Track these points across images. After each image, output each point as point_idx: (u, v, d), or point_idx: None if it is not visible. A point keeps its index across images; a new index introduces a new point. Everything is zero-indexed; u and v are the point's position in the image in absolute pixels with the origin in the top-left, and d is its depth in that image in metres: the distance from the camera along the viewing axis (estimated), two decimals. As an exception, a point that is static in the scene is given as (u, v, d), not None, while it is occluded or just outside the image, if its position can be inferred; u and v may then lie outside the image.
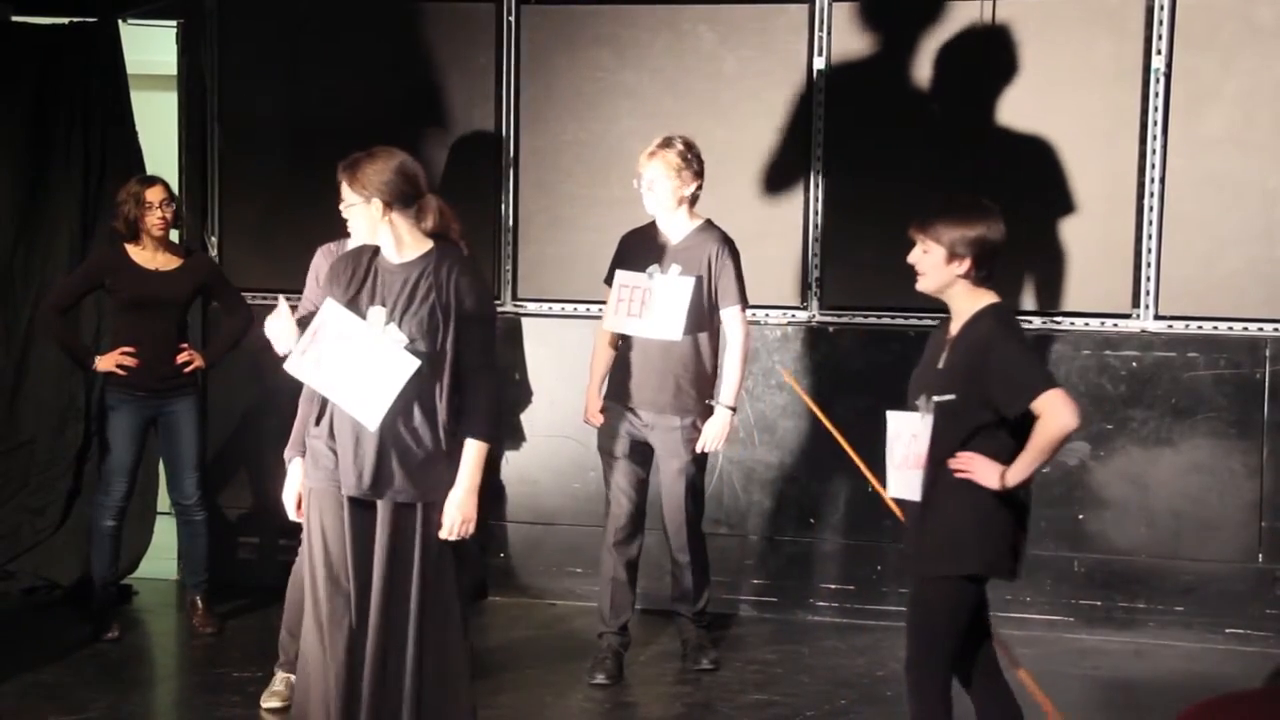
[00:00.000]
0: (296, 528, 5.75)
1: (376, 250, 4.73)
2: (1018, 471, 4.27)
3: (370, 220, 4.68)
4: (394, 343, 4.59)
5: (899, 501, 4.57)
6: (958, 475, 4.31)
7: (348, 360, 4.59)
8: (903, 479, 4.47)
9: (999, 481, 4.27)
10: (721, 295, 6.08)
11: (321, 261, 5.65)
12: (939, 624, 4.41)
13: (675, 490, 6.15)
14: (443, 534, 4.67)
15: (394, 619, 4.63)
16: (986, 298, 4.40)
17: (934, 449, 4.35)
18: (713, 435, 6.08)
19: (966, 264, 4.34)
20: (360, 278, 4.69)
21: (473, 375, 4.69)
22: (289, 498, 4.84)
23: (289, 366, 4.69)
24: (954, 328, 4.43)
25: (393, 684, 4.66)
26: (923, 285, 4.45)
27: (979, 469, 4.29)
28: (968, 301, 4.40)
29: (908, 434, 4.43)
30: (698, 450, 6.11)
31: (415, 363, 4.57)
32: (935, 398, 4.35)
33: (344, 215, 4.82)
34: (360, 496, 4.64)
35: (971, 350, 4.32)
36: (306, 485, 4.76)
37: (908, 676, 4.48)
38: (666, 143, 6.03)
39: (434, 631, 4.69)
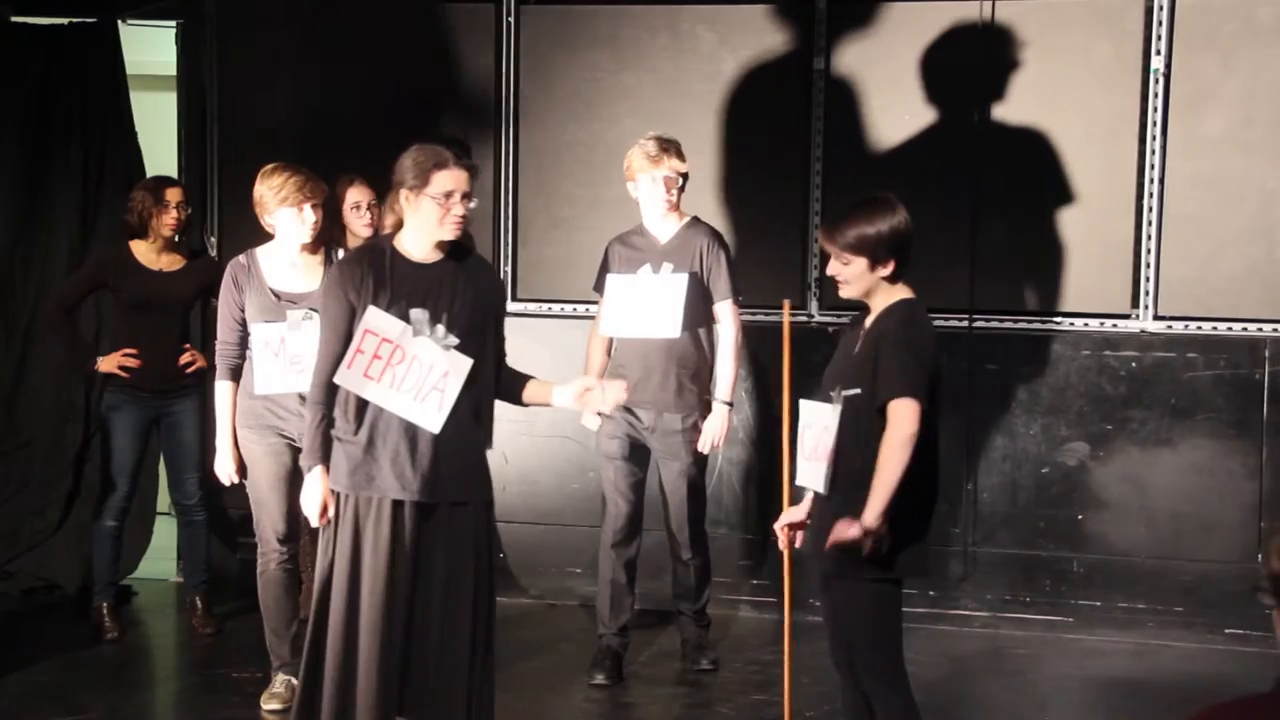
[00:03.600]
0: (296, 531, 5.81)
1: (390, 249, 4.70)
2: (871, 510, 4.19)
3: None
4: (446, 344, 4.61)
5: (804, 492, 4.55)
6: (833, 543, 4.25)
7: (400, 366, 4.58)
8: (811, 469, 4.46)
9: (859, 530, 4.19)
10: (714, 289, 6.09)
11: (234, 275, 5.65)
12: (885, 627, 4.38)
13: (678, 490, 6.16)
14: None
15: (456, 618, 4.65)
16: (901, 292, 4.39)
17: (840, 443, 4.33)
18: (713, 433, 6.10)
19: (890, 265, 4.33)
20: (385, 279, 4.64)
21: (500, 366, 4.79)
22: (313, 504, 4.75)
23: (340, 380, 4.62)
24: (868, 321, 4.43)
25: (451, 681, 4.66)
26: (847, 293, 4.41)
27: (838, 533, 4.22)
28: (883, 297, 4.39)
29: (819, 425, 4.41)
30: (700, 450, 6.12)
31: (469, 362, 4.61)
32: (844, 391, 4.34)
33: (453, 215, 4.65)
34: (421, 500, 4.63)
35: (875, 344, 4.32)
36: (333, 491, 4.72)
37: (866, 686, 4.43)
38: (666, 140, 6.02)
39: (486, 627, 4.73)
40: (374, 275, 4.63)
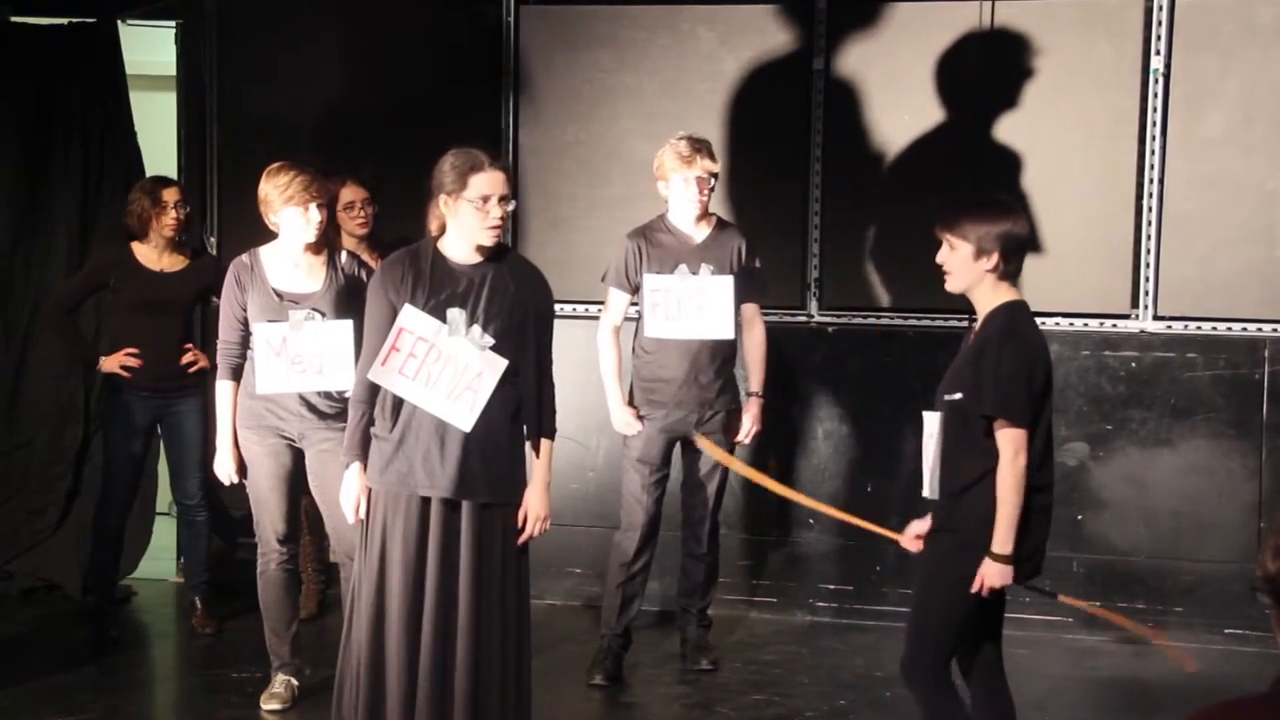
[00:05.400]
0: (296, 531, 5.82)
1: (432, 250, 4.73)
2: (1000, 539, 4.24)
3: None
4: (482, 345, 4.63)
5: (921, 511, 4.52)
6: (981, 593, 4.29)
7: (434, 365, 4.62)
8: (928, 476, 4.47)
9: (996, 561, 4.23)
10: (749, 289, 6.14)
11: (236, 274, 5.64)
12: (946, 624, 4.38)
13: (710, 484, 6.20)
14: (525, 533, 4.76)
15: (483, 617, 4.67)
16: (1008, 295, 4.36)
17: (944, 448, 4.34)
18: (751, 424, 6.17)
19: (994, 259, 4.30)
20: (424, 280, 4.68)
21: (542, 374, 4.80)
22: (349, 501, 4.81)
23: (374, 376, 4.68)
24: (977, 325, 4.41)
25: (482, 682, 4.68)
26: (951, 285, 4.40)
27: (980, 577, 4.26)
28: (989, 299, 4.36)
29: (931, 432, 4.43)
30: (739, 439, 6.19)
31: (504, 363, 4.65)
32: (947, 396, 4.34)
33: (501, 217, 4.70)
34: (448, 498, 4.66)
35: (978, 351, 4.30)
36: (368, 487, 4.76)
37: (910, 676, 4.45)
38: (698, 140, 6.03)
39: (518, 628, 4.76)
40: (414, 275, 4.69)
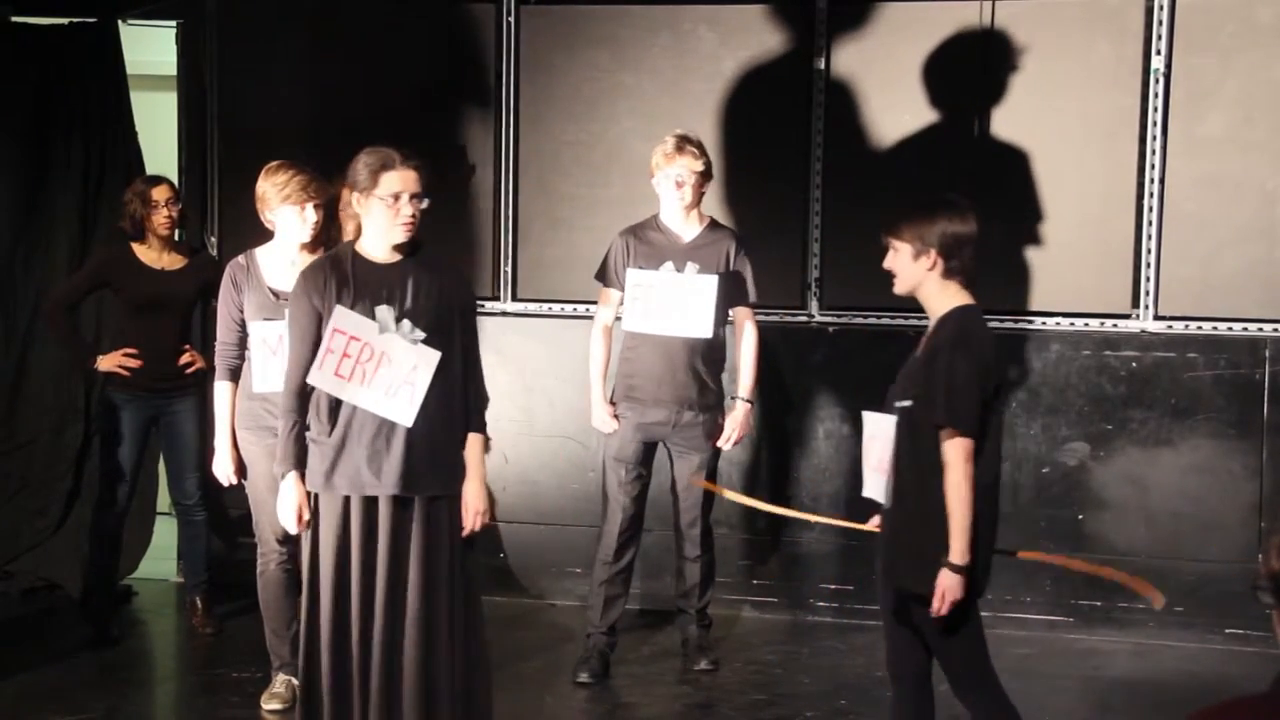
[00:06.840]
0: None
1: (351, 253, 4.73)
2: (957, 549, 4.20)
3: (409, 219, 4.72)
4: (413, 339, 4.65)
5: (875, 504, 4.50)
6: (936, 619, 4.25)
7: (370, 363, 4.63)
8: (875, 481, 4.42)
9: (955, 573, 4.20)
10: (738, 293, 6.12)
11: (233, 275, 5.65)
12: (970, 643, 4.36)
13: (695, 486, 6.18)
14: (466, 529, 4.75)
15: (433, 610, 4.68)
16: (957, 298, 4.31)
17: (895, 456, 4.30)
18: (735, 429, 6.15)
19: (932, 257, 4.26)
20: (348, 282, 4.68)
21: (470, 369, 4.80)
22: (290, 512, 4.77)
23: (313, 380, 4.68)
24: (930, 329, 4.37)
25: (436, 673, 4.69)
26: (897, 287, 4.37)
27: (939, 591, 4.22)
28: (939, 301, 4.31)
29: (882, 436, 4.38)
30: (720, 444, 6.16)
31: (437, 355, 4.66)
32: (898, 403, 4.31)
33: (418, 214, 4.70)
34: (397, 494, 4.66)
35: (930, 358, 4.25)
36: (311, 493, 4.74)
37: (963, 701, 4.40)
38: (685, 139, 6.03)
39: (471, 617, 4.77)
40: (336, 278, 4.70)
